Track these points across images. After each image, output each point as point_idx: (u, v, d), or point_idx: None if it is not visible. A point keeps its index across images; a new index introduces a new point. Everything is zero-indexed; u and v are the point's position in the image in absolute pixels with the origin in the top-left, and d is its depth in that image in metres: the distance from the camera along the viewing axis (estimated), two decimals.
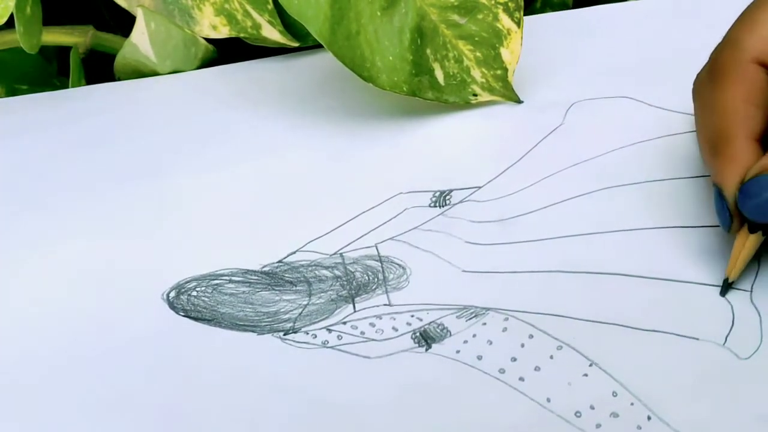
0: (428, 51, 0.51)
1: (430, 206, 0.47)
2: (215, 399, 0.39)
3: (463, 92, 0.52)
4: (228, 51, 0.59)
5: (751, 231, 0.42)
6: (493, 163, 0.49)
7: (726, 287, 0.42)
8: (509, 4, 0.52)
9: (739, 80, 0.43)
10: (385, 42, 0.51)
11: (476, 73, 0.52)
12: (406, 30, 0.51)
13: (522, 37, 0.52)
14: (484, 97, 0.52)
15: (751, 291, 0.41)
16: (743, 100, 0.42)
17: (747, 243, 0.42)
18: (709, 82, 0.44)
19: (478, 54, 0.52)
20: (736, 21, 0.44)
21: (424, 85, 0.51)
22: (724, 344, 0.39)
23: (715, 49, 0.44)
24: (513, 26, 0.53)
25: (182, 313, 0.43)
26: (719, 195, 0.42)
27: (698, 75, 0.45)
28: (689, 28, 0.56)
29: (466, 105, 0.52)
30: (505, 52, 0.53)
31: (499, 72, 0.52)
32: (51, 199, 0.50)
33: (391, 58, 0.51)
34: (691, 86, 0.45)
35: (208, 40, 0.58)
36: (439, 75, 0.52)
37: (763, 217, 0.41)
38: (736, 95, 0.42)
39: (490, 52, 0.52)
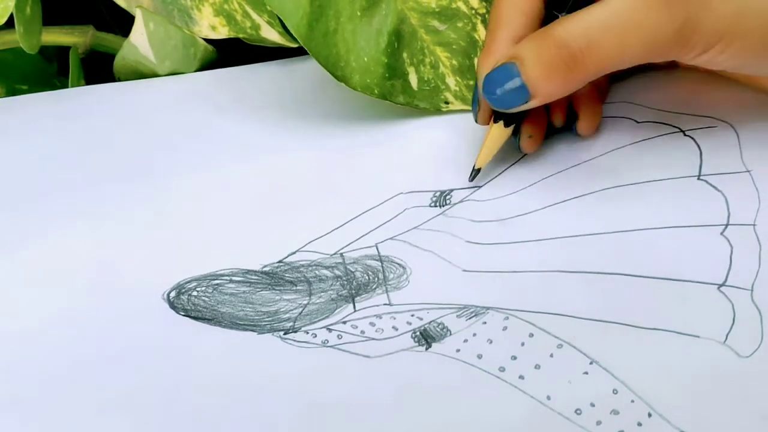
0: (405, 55, 0.52)
1: (430, 206, 0.47)
2: (215, 398, 0.40)
3: (435, 99, 0.52)
4: (227, 52, 0.59)
5: (495, 120, 0.47)
6: (493, 164, 0.49)
7: (474, 174, 0.47)
8: (487, 15, 0.53)
9: None
10: (362, 42, 0.51)
11: (450, 81, 0.52)
12: (384, 32, 0.51)
13: None
14: (456, 105, 0.52)
15: (752, 290, 0.41)
16: (513, 6, 0.46)
17: (491, 132, 0.47)
18: None
19: (455, 62, 0.52)
20: None
21: (397, 89, 0.51)
22: (724, 342, 0.39)
23: None
24: None
25: (183, 313, 0.43)
26: (476, 86, 0.47)
27: None
28: None
29: (437, 112, 0.52)
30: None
31: (471, 82, 0.52)
32: (51, 198, 0.50)
33: (366, 59, 0.51)
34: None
35: (208, 41, 0.58)
36: (413, 80, 0.52)
37: (499, 105, 0.45)
38: (509, 2, 0.47)
39: (466, 61, 0.53)
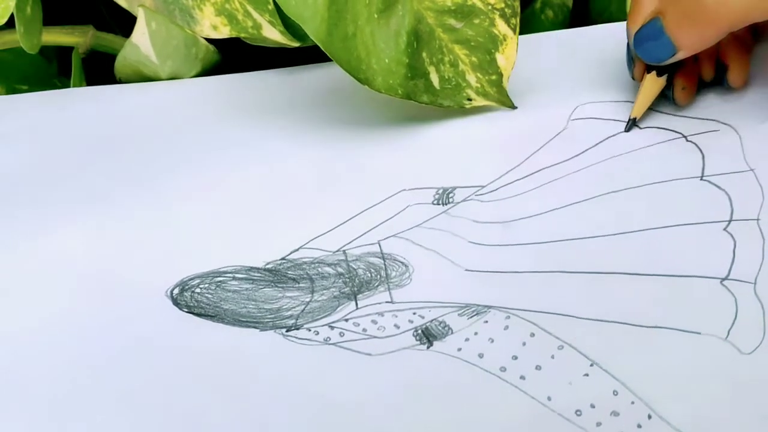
0: (424, 54, 0.52)
1: (433, 203, 0.48)
2: (218, 394, 0.40)
3: (457, 96, 0.52)
4: (228, 52, 0.59)
5: (649, 71, 0.49)
6: (496, 164, 0.49)
7: (631, 124, 0.50)
8: (505, 9, 0.53)
9: None
10: (381, 44, 0.51)
11: (471, 78, 0.52)
12: (402, 33, 0.51)
13: (517, 43, 0.53)
14: (479, 101, 0.52)
15: (755, 284, 0.41)
16: None
17: (645, 83, 0.49)
18: None
19: (474, 59, 0.52)
20: None
21: (420, 89, 0.51)
22: (726, 338, 0.39)
23: None
24: (509, 32, 0.53)
25: (186, 310, 0.43)
26: (628, 46, 0.50)
27: None
28: None
29: (461, 109, 0.52)
30: (500, 58, 0.53)
31: (494, 77, 0.53)
32: (53, 197, 0.50)
33: (387, 60, 0.51)
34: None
35: (209, 41, 0.58)
36: (435, 79, 0.52)
37: (649, 58, 0.48)
38: None
39: (486, 57, 0.53)
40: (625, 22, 0.50)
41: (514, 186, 0.48)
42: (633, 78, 0.51)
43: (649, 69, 0.50)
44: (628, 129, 0.50)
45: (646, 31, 0.47)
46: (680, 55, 0.47)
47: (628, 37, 0.49)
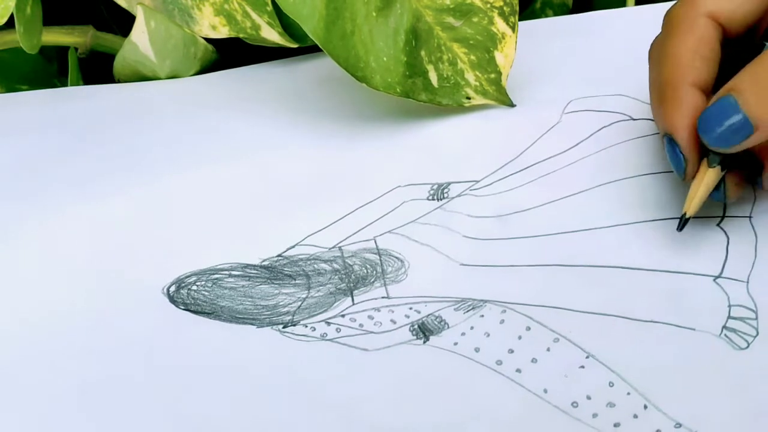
0: (423, 53, 0.52)
1: (428, 199, 0.48)
2: (214, 391, 0.40)
3: (456, 95, 0.52)
4: (228, 52, 0.59)
5: (711, 165, 0.42)
6: (491, 159, 0.49)
7: (683, 223, 0.43)
8: (504, 8, 0.53)
9: (689, 32, 0.43)
10: (380, 43, 0.51)
11: (470, 76, 0.52)
12: (401, 31, 0.51)
13: (516, 42, 0.53)
14: (478, 100, 0.52)
15: (748, 282, 0.42)
16: (692, 50, 0.43)
17: (705, 178, 0.42)
18: (662, 38, 0.45)
19: (473, 57, 0.52)
20: None
21: (418, 87, 0.51)
22: (720, 335, 0.40)
23: (671, 6, 0.45)
24: (508, 30, 0.53)
25: (182, 307, 0.43)
26: (670, 142, 0.43)
27: (654, 39, 0.46)
28: None
29: (459, 107, 0.52)
30: (499, 56, 0.53)
31: (492, 75, 0.53)
32: (51, 195, 0.50)
33: (385, 59, 0.51)
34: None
35: (208, 41, 0.58)
36: (433, 77, 0.52)
37: (720, 143, 0.41)
38: (685, 46, 0.43)
39: (485, 55, 0.53)
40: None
41: (508, 180, 0.48)
42: (683, 179, 0.43)
43: (710, 158, 0.43)
44: (681, 228, 0.43)
45: (716, 111, 0.41)
46: (755, 138, 0.41)
47: (672, 135, 0.43)
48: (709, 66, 0.43)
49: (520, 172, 0.49)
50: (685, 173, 0.43)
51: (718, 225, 0.44)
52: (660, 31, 0.46)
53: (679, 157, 0.43)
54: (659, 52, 0.45)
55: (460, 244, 0.45)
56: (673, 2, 0.46)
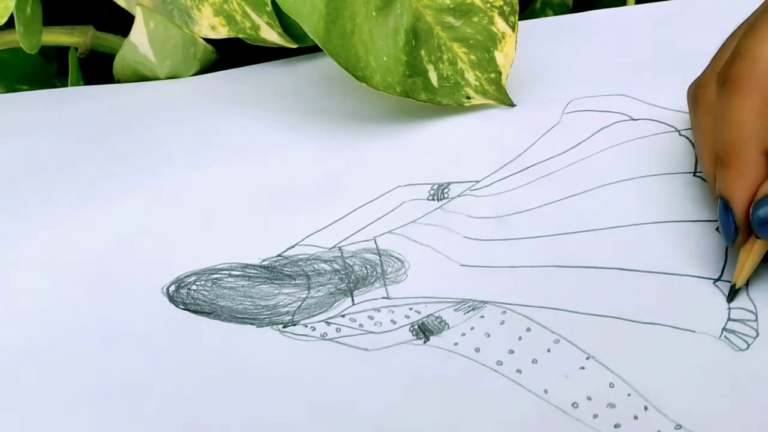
0: (423, 52, 0.52)
1: (428, 199, 0.48)
2: (214, 391, 0.40)
3: (456, 95, 0.52)
4: (227, 52, 0.59)
5: (759, 236, 0.41)
6: (491, 159, 0.49)
7: (733, 294, 0.41)
8: (504, 7, 0.53)
9: (755, 92, 0.41)
10: (380, 42, 0.51)
11: (470, 76, 0.52)
12: (401, 31, 0.51)
13: (516, 41, 0.53)
14: (478, 99, 0.53)
15: (747, 284, 0.42)
16: (757, 113, 0.41)
17: (754, 249, 0.41)
18: (720, 93, 0.42)
19: (473, 57, 0.52)
20: (744, 31, 0.43)
21: (418, 87, 0.51)
22: (720, 337, 0.40)
23: (720, 58, 0.44)
24: (508, 30, 0.53)
25: (182, 307, 0.43)
26: (725, 207, 0.41)
27: (698, 82, 0.45)
28: (680, 31, 0.57)
29: (459, 107, 0.52)
30: (499, 56, 0.53)
31: (492, 75, 0.53)
32: (51, 195, 0.50)
33: (385, 58, 0.51)
34: (687, 91, 0.45)
35: (208, 41, 0.58)
36: (433, 77, 0.52)
37: None
38: (750, 107, 0.41)
39: (485, 55, 0.53)
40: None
41: (508, 181, 0.48)
42: (731, 245, 0.42)
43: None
44: (731, 299, 0.41)
45: None
46: None
47: (729, 202, 0.41)
48: None
49: (521, 173, 0.49)
50: (735, 242, 0.42)
51: (717, 229, 0.44)
52: (701, 75, 0.44)
53: (732, 225, 0.41)
54: (719, 110, 0.42)
55: (461, 244, 0.45)
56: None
